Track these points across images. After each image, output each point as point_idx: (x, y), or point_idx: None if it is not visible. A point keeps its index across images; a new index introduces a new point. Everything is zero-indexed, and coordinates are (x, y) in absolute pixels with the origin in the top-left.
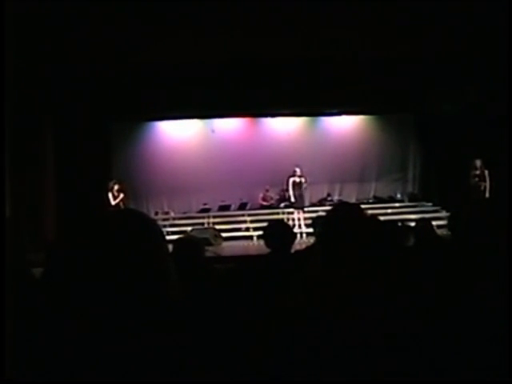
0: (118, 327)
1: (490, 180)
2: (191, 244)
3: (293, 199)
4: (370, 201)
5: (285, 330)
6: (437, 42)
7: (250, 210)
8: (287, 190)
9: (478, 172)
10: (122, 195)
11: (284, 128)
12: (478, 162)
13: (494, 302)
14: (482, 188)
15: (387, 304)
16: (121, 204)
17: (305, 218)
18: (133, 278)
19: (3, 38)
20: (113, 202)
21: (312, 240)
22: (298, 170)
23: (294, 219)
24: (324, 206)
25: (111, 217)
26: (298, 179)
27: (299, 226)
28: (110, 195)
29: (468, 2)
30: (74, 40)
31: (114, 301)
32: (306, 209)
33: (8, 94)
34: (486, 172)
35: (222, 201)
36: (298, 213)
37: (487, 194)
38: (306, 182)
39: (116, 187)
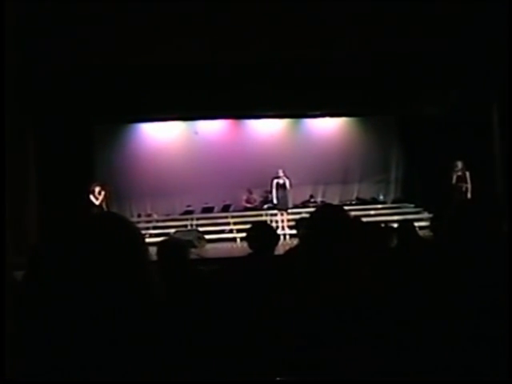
0: (101, 329)
1: (471, 181)
2: (175, 246)
3: (275, 201)
4: (353, 202)
5: (270, 329)
6: (419, 44)
7: (234, 211)
8: (271, 191)
9: (459, 173)
10: (103, 193)
11: (267, 130)
12: (460, 164)
13: (479, 300)
14: (464, 189)
15: (371, 303)
16: (103, 204)
17: (288, 220)
18: (114, 281)
19: None
20: (96, 203)
21: (295, 242)
22: (281, 171)
23: (277, 221)
24: (307, 207)
25: (91, 220)
26: (281, 181)
27: (283, 228)
28: (92, 197)
29: (450, 4)
30: (56, 41)
31: (96, 303)
32: (289, 210)
33: None
34: (468, 173)
35: (206, 203)
36: (282, 214)
37: (469, 195)
38: (290, 183)
39: (97, 189)
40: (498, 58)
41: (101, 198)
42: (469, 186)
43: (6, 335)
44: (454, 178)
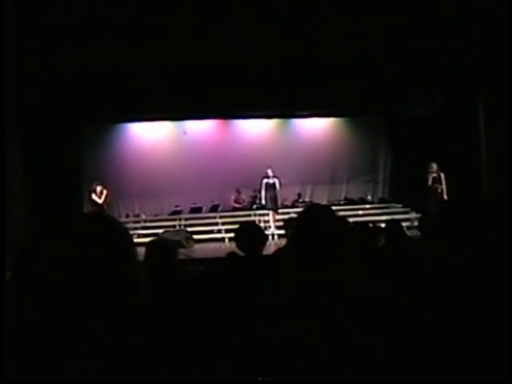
0: (89, 331)
1: (446, 183)
2: (164, 246)
3: (264, 201)
4: (342, 202)
5: (258, 331)
6: (407, 44)
7: (222, 211)
8: (260, 191)
9: (434, 175)
10: (105, 192)
11: (256, 130)
12: (435, 166)
13: (473, 299)
14: (439, 190)
15: (359, 304)
16: (106, 202)
17: (278, 220)
18: (101, 281)
19: None
20: (99, 201)
21: (284, 242)
22: (270, 171)
23: (265, 221)
24: (297, 207)
25: (79, 220)
26: (271, 181)
27: (272, 228)
28: (94, 196)
29: (438, 5)
30: (44, 41)
31: (83, 304)
32: (279, 210)
33: None
34: (442, 175)
35: (194, 203)
36: (272, 215)
37: (445, 196)
38: (280, 183)
39: (99, 188)
40: (485, 59)
41: (103, 197)
42: (444, 187)
43: (6, 335)
44: (430, 179)
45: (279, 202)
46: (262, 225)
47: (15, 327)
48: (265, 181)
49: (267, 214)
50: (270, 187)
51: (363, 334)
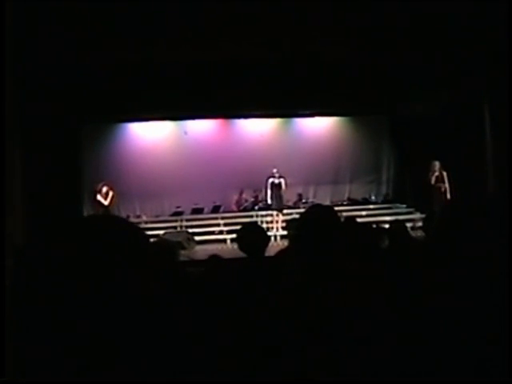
0: (89, 332)
1: (449, 182)
2: (165, 248)
3: (269, 201)
4: (345, 203)
5: (260, 332)
6: (410, 44)
7: (224, 212)
8: (265, 191)
9: (437, 174)
10: (111, 193)
11: (257, 129)
12: (437, 164)
13: (475, 300)
14: (443, 190)
15: (362, 304)
16: (112, 203)
17: (283, 221)
18: (101, 283)
19: None
20: (105, 203)
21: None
22: (275, 170)
23: (268, 222)
24: (300, 208)
25: (83, 222)
26: (276, 180)
27: (277, 229)
28: (100, 197)
29: (440, 5)
30: (44, 40)
31: (83, 305)
32: (284, 211)
33: None
34: (445, 174)
35: (195, 204)
36: (277, 215)
37: (448, 196)
38: (285, 183)
39: (105, 189)
40: (490, 59)
41: (109, 198)
42: (447, 186)
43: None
44: (433, 178)
45: (284, 202)
46: (264, 226)
47: (15, 327)
48: (270, 180)
49: (270, 215)
50: (276, 187)
51: (364, 333)
